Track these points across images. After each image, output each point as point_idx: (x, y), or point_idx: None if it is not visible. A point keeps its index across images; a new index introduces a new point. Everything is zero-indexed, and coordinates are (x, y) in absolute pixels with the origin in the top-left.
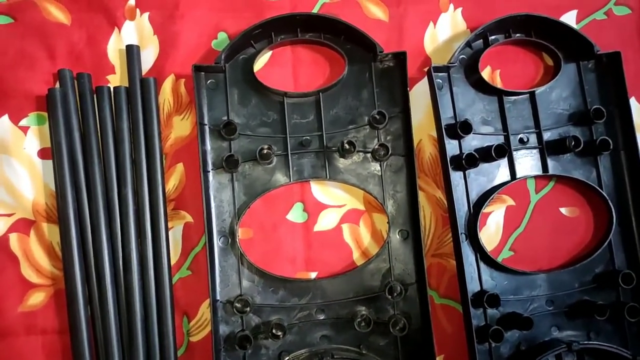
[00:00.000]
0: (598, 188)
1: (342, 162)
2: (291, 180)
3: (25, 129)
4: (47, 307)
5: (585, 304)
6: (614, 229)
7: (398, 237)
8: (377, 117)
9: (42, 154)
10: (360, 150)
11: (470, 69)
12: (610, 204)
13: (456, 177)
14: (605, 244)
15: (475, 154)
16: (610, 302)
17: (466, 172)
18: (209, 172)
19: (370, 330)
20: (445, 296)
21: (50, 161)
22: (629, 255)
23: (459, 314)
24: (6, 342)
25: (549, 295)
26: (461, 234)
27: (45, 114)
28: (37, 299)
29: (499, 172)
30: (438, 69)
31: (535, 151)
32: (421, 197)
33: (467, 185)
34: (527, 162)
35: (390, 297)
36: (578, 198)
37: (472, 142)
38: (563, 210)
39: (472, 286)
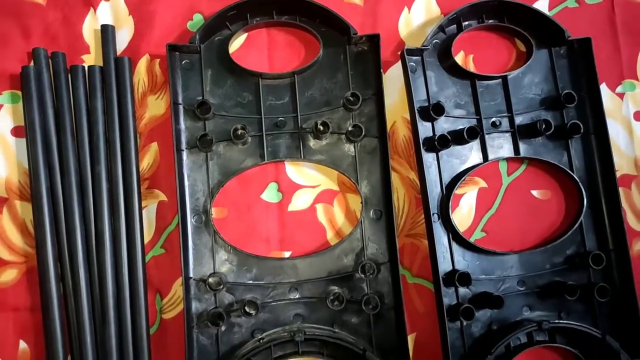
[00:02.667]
0: (569, 171)
1: (316, 143)
2: (266, 160)
3: None
4: (18, 284)
5: (556, 284)
6: (585, 211)
7: (371, 217)
8: (351, 98)
9: (16, 132)
10: (334, 131)
11: (444, 54)
12: (581, 186)
13: (429, 158)
14: (576, 225)
15: (448, 136)
16: (580, 282)
17: (439, 153)
18: (183, 151)
19: (343, 309)
20: (418, 276)
21: (24, 139)
22: (599, 237)
23: (431, 293)
24: None
25: (521, 276)
26: (433, 214)
27: (19, 93)
28: (8, 276)
29: (472, 154)
30: (411, 52)
31: (507, 135)
32: (395, 178)
33: (439, 167)
34: (499, 145)
35: (363, 276)
36: (549, 181)
37: (444, 125)
38: (534, 192)
39: (444, 266)
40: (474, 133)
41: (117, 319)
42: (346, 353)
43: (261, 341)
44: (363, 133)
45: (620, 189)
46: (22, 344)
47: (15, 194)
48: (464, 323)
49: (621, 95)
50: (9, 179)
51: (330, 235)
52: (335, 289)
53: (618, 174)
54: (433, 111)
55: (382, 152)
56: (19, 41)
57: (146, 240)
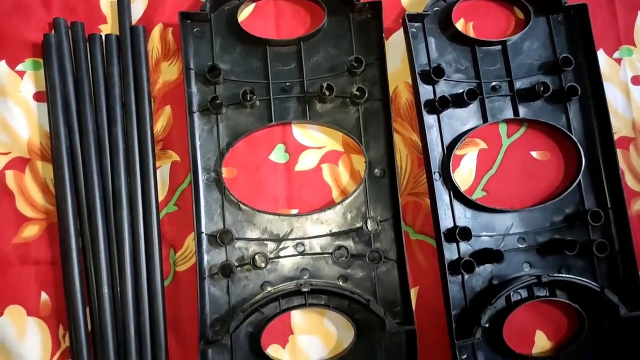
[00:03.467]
0: (567, 132)
1: (321, 107)
2: (273, 121)
3: (21, 74)
4: (40, 239)
5: (556, 242)
6: (583, 171)
7: (375, 175)
8: (355, 63)
9: (38, 97)
10: (338, 95)
11: (444, 21)
12: (579, 146)
13: (430, 120)
14: (575, 183)
15: (448, 97)
16: (580, 240)
17: (439, 115)
18: (195, 113)
19: (348, 264)
20: (421, 232)
21: (45, 104)
22: (597, 196)
23: (433, 248)
24: (1, 271)
25: (521, 233)
26: (434, 172)
27: (41, 60)
28: (31, 232)
29: (472, 117)
30: (412, 18)
31: (506, 98)
32: (397, 139)
33: (440, 128)
34: (499, 108)
35: (367, 231)
36: (548, 143)
37: (445, 89)
38: (534, 153)
39: (446, 222)
40: (474, 95)
41: (133, 272)
42: (351, 307)
43: (269, 293)
44: (366, 96)
45: (619, 151)
46: (44, 296)
47: (37, 155)
48: (465, 276)
49: (618, 61)
50: (31, 141)
51: (335, 194)
52: (340, 244)
53: (616, 136)
54: (434, 73)
55: (385, 114)
56: (41, 12)
57: (160, 198)
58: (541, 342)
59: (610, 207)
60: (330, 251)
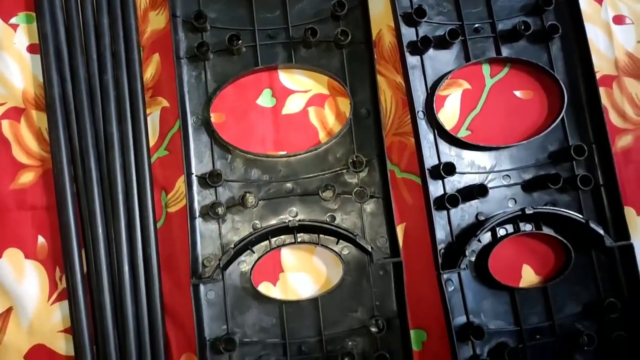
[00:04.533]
0: (550, 70)
1: (306, 52)
2: (259, 65)
3: (15, 27)
4: (36, 185)
5: (540, 178)
6: (566, 108)
7: (360, 116)
8: (337, 8)
9: (31, 49)
10: (322, 40)
11: None
12: (562, 84)
13: (413, 60)
14: (558, 119)
15: (430, 37)
16: (564, 175)
17: (423, 56)
18: (182, 59)
19: (335, 203)
20: (406, 171)
21: (38, 56)
22: (581, 132)
23: (419, 186)
24: None
25: (505, 171)
26: (418, 111)
27: (33, 14)
28: (27, 178)
29: (455, 59)
30: None
31: (489, 40)
32: (382, 82)
33: (424, 69)
34: (482, 50)
35: (353, 169)
36: (532, 82)
37: (427, 31)
38: (517, 93)
39: (430, 160)
40: (455, 34)
41: (126, 214)
42: (340, 244)
43: (259, 229)
44: (350, 38)
45: (602, 89)
46: (41, 239)
47: (31, 105)
48: (451, 211)
49: (600, 1)
50: (26, 91)
51: (322, 136)
52: (328, 183)
53: (599, 75)
54: (415, 14)
55: (369, 56)
56: None
57: (151, 144)
58: (528, 277)
59: (593, 143)
60: (318, 191)
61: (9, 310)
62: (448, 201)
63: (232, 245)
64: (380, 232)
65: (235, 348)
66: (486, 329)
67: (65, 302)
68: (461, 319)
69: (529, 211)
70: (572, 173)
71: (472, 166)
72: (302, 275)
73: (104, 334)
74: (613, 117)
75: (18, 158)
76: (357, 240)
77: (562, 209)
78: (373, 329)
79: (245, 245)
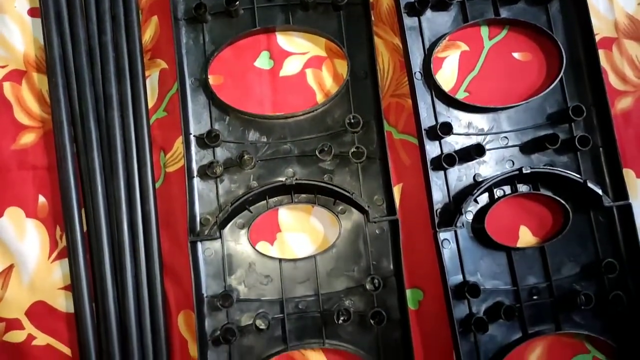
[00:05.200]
0: (548, 31)
1: (304, 14)
2: (257, 26)
3: None
4: (37, 146)
5: (538, 139)
6: (565, 69)
7: (357, 78)
8: None
9: (32, 12)
10: (320, 2)
11: None
12: (560, 45)
13: (410, 22)
14: (557, 80)
15: None
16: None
17: (420, 18)
18: (180, 21)
19: (332, 162)
20: (404, 132)
21: (39, 19)
22: (580, 94)
23: (416, 147)
24: (0, 175)
25: (504, 132)
26: (415, 72)
27: None
28: (28, 139)
29: (453, 20)
30: None
31: (487, 1)
32: (379, 44)
33: (421, 30)
34: (480, 12)
35: (350, 130)
36: (530, 44)
37: None
38: (516, 55)
39: (428, 122)
40: None
41: (125, 174)
42: (337, 204)
43: (256, 187)
44: None
45: (601, 51)
46: (41, 199)
47: (32, 67)
48: (447, 170)
49: None
50: (27, 54)
51: (319, 98)
52: (325, 143)
53: (598, 37)
54: None
55: (366, 17)
56: None
57: (150, 105)
58: (526, 237)
59: (592, 104)
60: (315, 152)
61: (10, 268)
62: (445, 160)
63: (230, 204)
64: (377, 193)
65: (232, 304)
66: (483, 288)
67: (66, 260)
68: (457, 278)
69: (526, 170)
70: (571, 135)
71: (469, 128)
72: (300, 235)
73: (103, 291)
74: (613, 80)
75: (19, 119)
76: (354, 198)
77: (560, 169)
78: (369, 287)
79: (243, 205)
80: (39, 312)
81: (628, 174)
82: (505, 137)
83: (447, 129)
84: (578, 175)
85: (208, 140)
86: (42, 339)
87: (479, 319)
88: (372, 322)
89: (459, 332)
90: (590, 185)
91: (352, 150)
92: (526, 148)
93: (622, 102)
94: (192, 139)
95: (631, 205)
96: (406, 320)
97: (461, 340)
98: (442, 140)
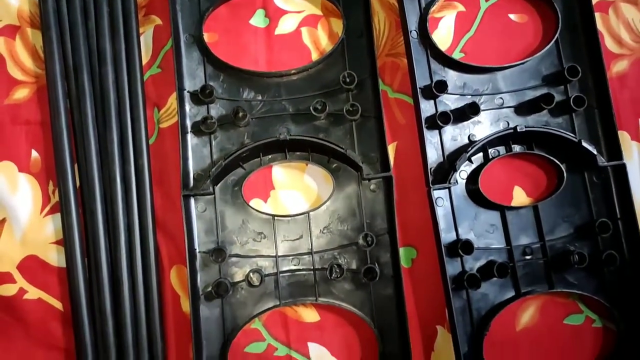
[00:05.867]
0: None
1: None
2: None
3: None
4: (30, 101)
5: (534, 100)
6: (560, 31)
7: (353, 36)
8: None
9: None
10: None
11: None
12: (556, 7)
13: None
14: (553, 41)
15: None
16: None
17: None
18: None
19: (327, 121)
20: (399, 91)
21: None
22: (575, 56)
23: (411, 106)
24: None
25: (499, 93)
26: (411, 30)
27: None
28: (21, 94)
29: None
30: None
31: None
32: (375, 2)
33: None
34: None
35: (345, 86)
36: (526, 6)
37: None
38: (512, 16)
39: (423, 81)
40: None
41: (119, 129)
42: (331, 162)
43: (250, 143)
44: None
45: (598, 14)
46: (34, 153)
47: (26, 22)
48: (442, 129)
49: None
50: (21, 9)
51: (314, 56)
52: (320, 100)
53: (594, 0)
54: None
55: None
56: None
57: (144, 61)
58: (520, 198)
59: (589, 65)
60: (310, 110)
61: (2, 222)
62: (440, 119)
63: (223, 159)
64: (372, 151)
65: (225, 260)
66: (476, 247)
67: (58, 215)
68: (451, 236)
69: (521, 129)
70: (566, 96)
71: (465, 88)
72: (293, 192)
73: (95, 246)
74: (609, 43)
75: (13, 74)
76: (347, 154)
77: (554, 129)
78: (362, 243)
79: (236, 162)
80: (31, 266)
81: (623, 136)
82: (501, 98)
83: (442, 87)
84: (572, 135)
85: (202, 96)
86: (33, 292)
87: (472, 275)
88: (364, 278)
89: (452, 289)
90: (584, 144)
91: (346, 107)
92: (521, 109)
93: (617, 65)
94: (186, 94)
95: (625, 165)
96: (399, 277)
97: (454, 298)
98: (437, 100)
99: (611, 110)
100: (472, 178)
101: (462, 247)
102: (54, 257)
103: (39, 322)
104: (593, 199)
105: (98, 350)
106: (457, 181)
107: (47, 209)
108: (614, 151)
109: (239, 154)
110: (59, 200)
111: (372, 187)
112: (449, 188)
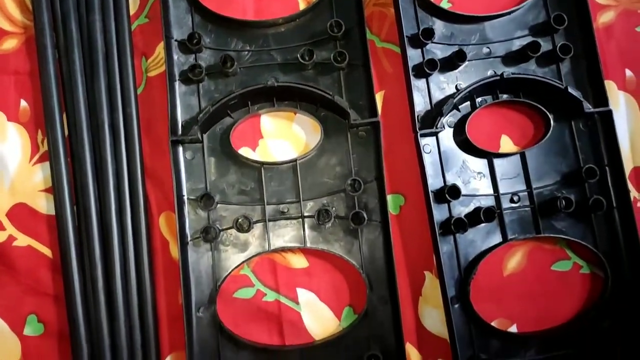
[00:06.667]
0: None
1: None
2: None
3: None
4: (19, 52)
5: (520, 50)
6: None
7: None
8: None
9: None
10: None
11: None
12: None
13: None
14: None
15: None
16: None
17: None
18: None
19: (314, 69)
20: (386, 40)
21: None
22: (562, 7)
23: (398, 55)
24: None
25: (486, 43)
26: None
27: None
28: (10, 44)
29: None
30: None
31: None
32: None
33: None
34: None
35: (332, 33)
36: None
37: None
38: None
39: (410, 30)
40: None
41: (106, 76)
42: (319, 110)
43: (238, 90)
44: None
45: None
46: (23, 103)
47: None
48: (430, 76)
49: None
50: None
51: (302, 6)
52: (307, 49)
53: None
54: None
55: None
56: None
57: (132, 11)
58: (507, 146)
59: (575, 16)
60: (298, 59)
61: None
62: (427, 66)
63: (211, 105)
64: (360, 99)
65: (213, 205)
66: (463, 194)
67: (47, 164)
68: (438, 182)
69: (507, 75)
70: (553, 45)
71: (452, 38)
72: (282, 141)
73: (84, 193)
74: None
75: (1, 25)
76: (335, 100)
77: (540, 76)
78: (349, 189)
79: (225, 110)
80: (20, 214)
81: (610, 86)
82: (488, 48)
83: (429, 34)
84: (559, 82)
85: (190, 44)
86: (22, 240)
87: (459, 219)
88: (353, 224)
89: (439, 234)
90: (571, 90)
91: (333, 55)
92: (509, 59)
93: (604, 16)
94: (174, 43)
95: (611, 111)
96: (387, 224)
97: (441, 243)
98: (425, 49)
99: (597, 58)
100: (460, 127)
101: (449, 192)
102: (43, 204)
103: (28, 269)
104: (580, 146)
105: (87, 297)
106: (444, 126)
107: (36, 157)
108: (601, 98)
109: (227, 101)
110: (47, 148)
111: (359, 134)
112: (437, 135)
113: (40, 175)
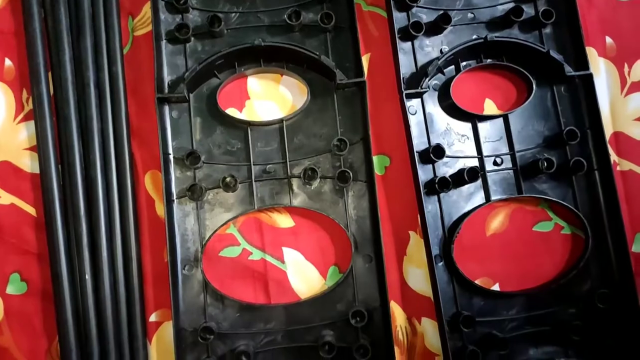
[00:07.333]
0: None
1: None
2: None
3: None
4: (3, 10)
5: (504, 16)
6: None
7: None
8: None
9: None
10: None
11: None
12: None
13: None
14: None
15: None
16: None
17: None
18: None
19: (301, 31)
20: (372, 4)
21: None
22: None
23: (384, 19)
24: None
25: (470, 9)
26: None
27: None
28: None
29: None
30: None
31: None
32: None
33: None
34: None
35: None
36: None
37: None
38: None
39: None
40: None
41: (92, 35)
42: (306, 72)
43: (225, 49)
44: None
45: None
46: (8, 62)
47: None
48: (415, 40)
49: None
50: None
51: None
52: (294, 10)
53: None
54: None
55: None
56: None
57: None
58: (490, 110)
59: None
60: (284, 20)
61: None
62: (412, 28)
63: (198, 64)
64: (346, 60)
65: (199, 164)
66: (447, 155)
67: (31, 123)
68: (423, 142)
69: (491, 38)
70: (535, 11)
71: (437, 3)
72: (268, 102)
73: (69, 151)
74: None
75: None
76: (321, 60)
77: (523, 39)
78: (334, 150)
79: (212, 71)
80: (4, 172)
81: (590, 52)
82: (472, 13)
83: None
84: (541, 45)
85: (177, 3)
86: (6, 198)
87: (443, 178)
88: (339, 183)
89: (424, 194)
90: (552, 54)
91: (320, 16)
92: (492, 24)
93: None
94: (161, 2)
95: (592, 74)
96: (372, 184)
97: (426, 202)
98: (411, 12)
99: (578, 23)
100: (445, 90)
101: (433, 152)
102: (27, 163)
103: (12, 227)
104: (562, 110)
105: (71, 254)
106: (429, 87)
107: (21, 116)
108: (582, 62)
109: (213, 60)
110: (32, 107)
111: (346, 97)
112: (422, 97)
113: (24, 133)
